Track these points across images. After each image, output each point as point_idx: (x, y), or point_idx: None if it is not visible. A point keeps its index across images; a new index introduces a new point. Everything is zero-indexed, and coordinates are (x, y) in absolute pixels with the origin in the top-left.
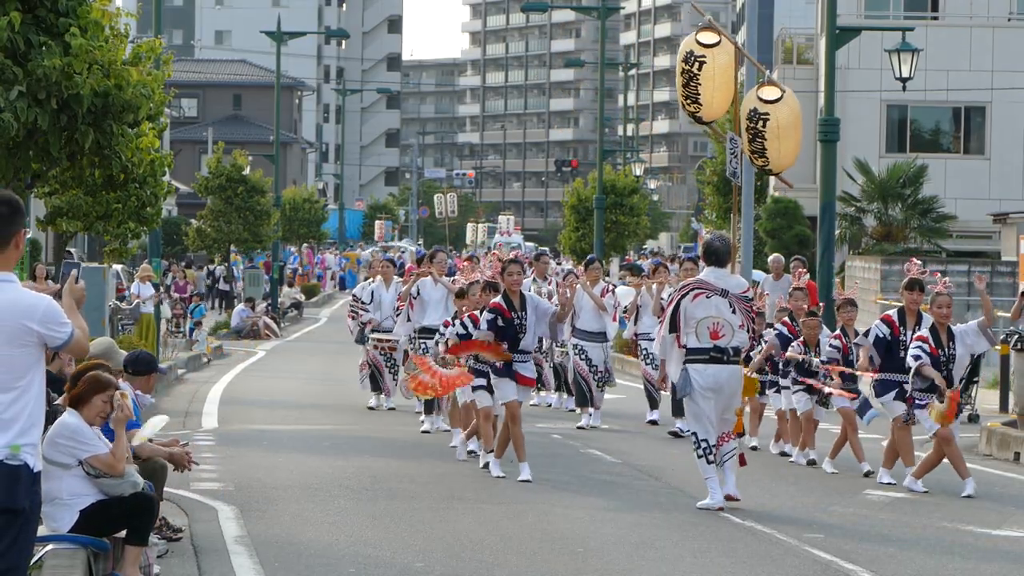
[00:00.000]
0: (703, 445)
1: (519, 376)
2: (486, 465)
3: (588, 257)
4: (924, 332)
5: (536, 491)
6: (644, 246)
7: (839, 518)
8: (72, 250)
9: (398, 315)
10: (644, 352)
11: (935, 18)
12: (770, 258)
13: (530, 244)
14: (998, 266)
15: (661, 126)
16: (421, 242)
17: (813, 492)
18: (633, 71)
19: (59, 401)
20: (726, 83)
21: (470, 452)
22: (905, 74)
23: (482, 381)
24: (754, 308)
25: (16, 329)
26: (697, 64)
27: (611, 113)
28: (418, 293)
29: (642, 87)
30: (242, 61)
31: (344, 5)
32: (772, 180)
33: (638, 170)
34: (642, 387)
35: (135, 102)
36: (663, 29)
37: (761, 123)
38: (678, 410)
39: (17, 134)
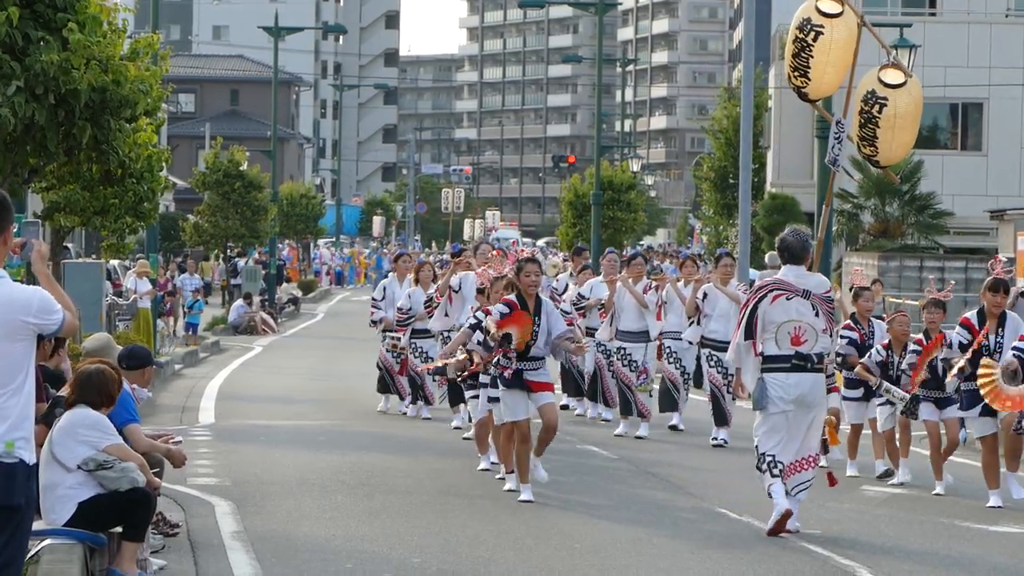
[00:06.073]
0: (767, 460)
1: (532, 384)
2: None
3: (632, 252)
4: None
5: (533, 487)
6: (641, 242)
7: (836, 514)
8: (69, 245)
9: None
10: (668, 351)
11: (933, 14)
12: (767, 256)
13: (527, 240)
14: None
15: (658, 122)
16: (418, 238)
17: (810, 488)
18: (631, 67)
19: (61, 392)
20: (843, 59)
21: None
22: None
23: (496, 392)
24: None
25: (12, 325)
26: (813, 34)
27: (608, 109)
28: (459, 287)
29: (640, 83)
30: (239, 56)
31: (341, 0)
32: (769, 176)
33: (635, 166)
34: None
35: (132, 97)
36: (660, 25)
37: (878, 108)
38: (720, 419)
39: (15, 129)
